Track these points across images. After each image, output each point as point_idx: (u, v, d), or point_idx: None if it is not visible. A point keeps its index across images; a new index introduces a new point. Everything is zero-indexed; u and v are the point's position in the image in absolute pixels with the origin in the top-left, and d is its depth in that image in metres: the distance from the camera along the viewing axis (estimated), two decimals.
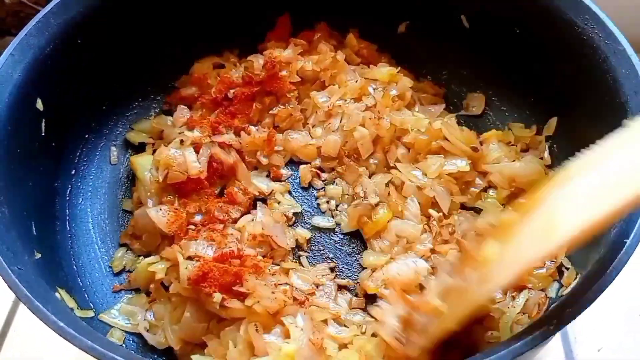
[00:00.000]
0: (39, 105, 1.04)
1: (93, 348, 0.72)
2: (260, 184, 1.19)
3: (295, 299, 1.00)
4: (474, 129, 1.23)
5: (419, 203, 1.12)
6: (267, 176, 1.22)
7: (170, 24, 1.24)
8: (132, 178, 1.22)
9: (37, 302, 0.75)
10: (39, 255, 0.94)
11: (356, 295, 1.07)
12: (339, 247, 1.13)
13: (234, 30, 1.32)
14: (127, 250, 1.14)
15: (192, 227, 1.09)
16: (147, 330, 1.02)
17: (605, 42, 0.97)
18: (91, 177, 1.21)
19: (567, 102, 1.10)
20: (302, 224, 1.16)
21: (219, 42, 1.33)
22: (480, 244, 0.81)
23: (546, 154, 1.16)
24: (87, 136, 1.22)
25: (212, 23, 1.30)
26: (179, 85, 1.32)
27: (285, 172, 1.22)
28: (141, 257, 1.11)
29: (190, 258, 1.01)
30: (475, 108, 1.29)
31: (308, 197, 1.20)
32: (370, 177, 1.17)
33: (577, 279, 0.94)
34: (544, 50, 1.11)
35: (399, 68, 1.28)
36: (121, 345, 1.00)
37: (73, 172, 1.18)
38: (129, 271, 1.12)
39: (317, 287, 1.05)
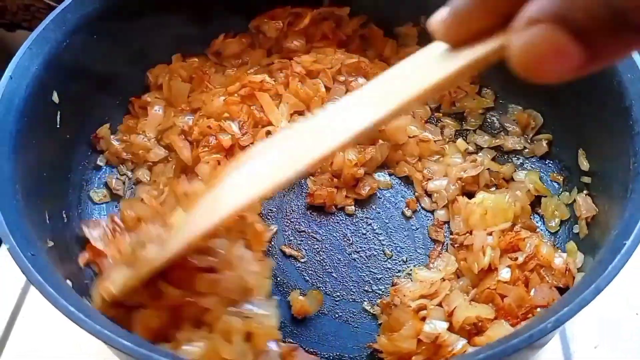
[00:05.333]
0: (55, 98, 1.06)
1: (101, 332, 0.73)
2: None
3: None
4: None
5: None
6: None
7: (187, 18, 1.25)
8: None
9: (48, 286, 0.77)
10: (51, 244, 0.96)
11: None
12: None
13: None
14: None
15: None
16: None
17: None
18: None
19: (571, 105, 1.11)
20: None
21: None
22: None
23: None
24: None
25: None
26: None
27: None
28: None
29: None
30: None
31: None
32: None
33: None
34: None
35: None
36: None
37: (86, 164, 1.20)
38: None
39: None
